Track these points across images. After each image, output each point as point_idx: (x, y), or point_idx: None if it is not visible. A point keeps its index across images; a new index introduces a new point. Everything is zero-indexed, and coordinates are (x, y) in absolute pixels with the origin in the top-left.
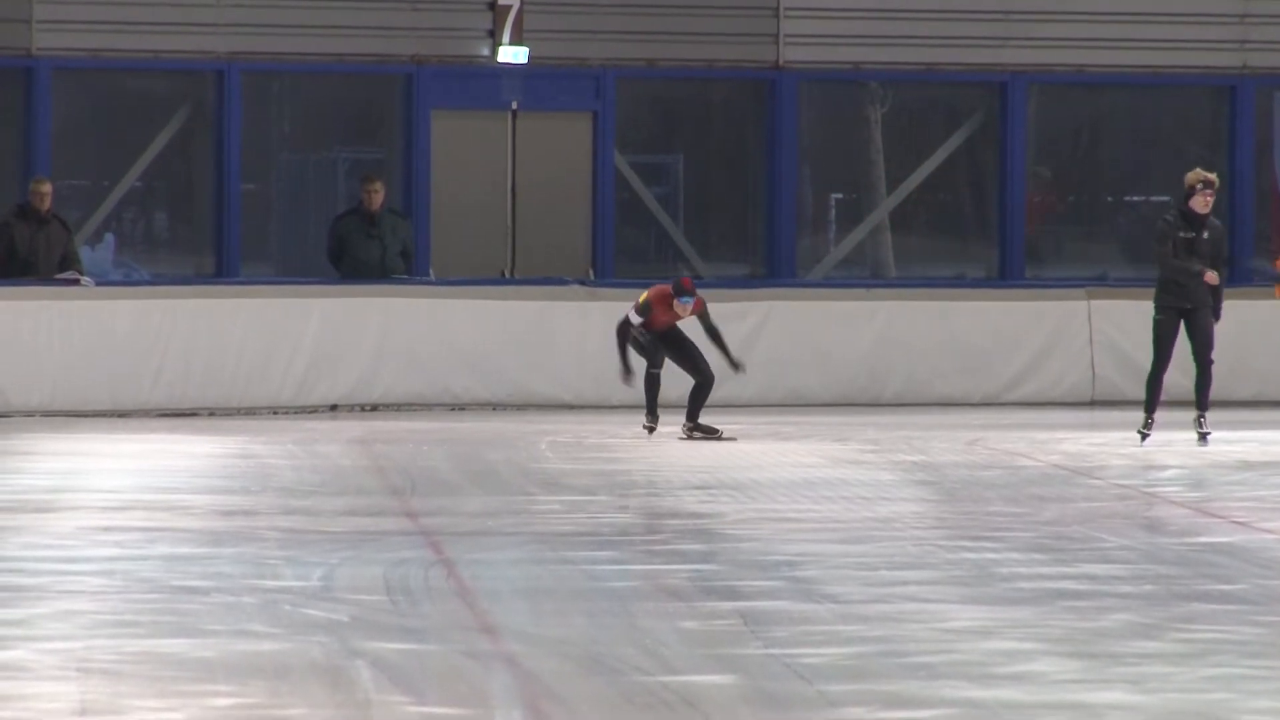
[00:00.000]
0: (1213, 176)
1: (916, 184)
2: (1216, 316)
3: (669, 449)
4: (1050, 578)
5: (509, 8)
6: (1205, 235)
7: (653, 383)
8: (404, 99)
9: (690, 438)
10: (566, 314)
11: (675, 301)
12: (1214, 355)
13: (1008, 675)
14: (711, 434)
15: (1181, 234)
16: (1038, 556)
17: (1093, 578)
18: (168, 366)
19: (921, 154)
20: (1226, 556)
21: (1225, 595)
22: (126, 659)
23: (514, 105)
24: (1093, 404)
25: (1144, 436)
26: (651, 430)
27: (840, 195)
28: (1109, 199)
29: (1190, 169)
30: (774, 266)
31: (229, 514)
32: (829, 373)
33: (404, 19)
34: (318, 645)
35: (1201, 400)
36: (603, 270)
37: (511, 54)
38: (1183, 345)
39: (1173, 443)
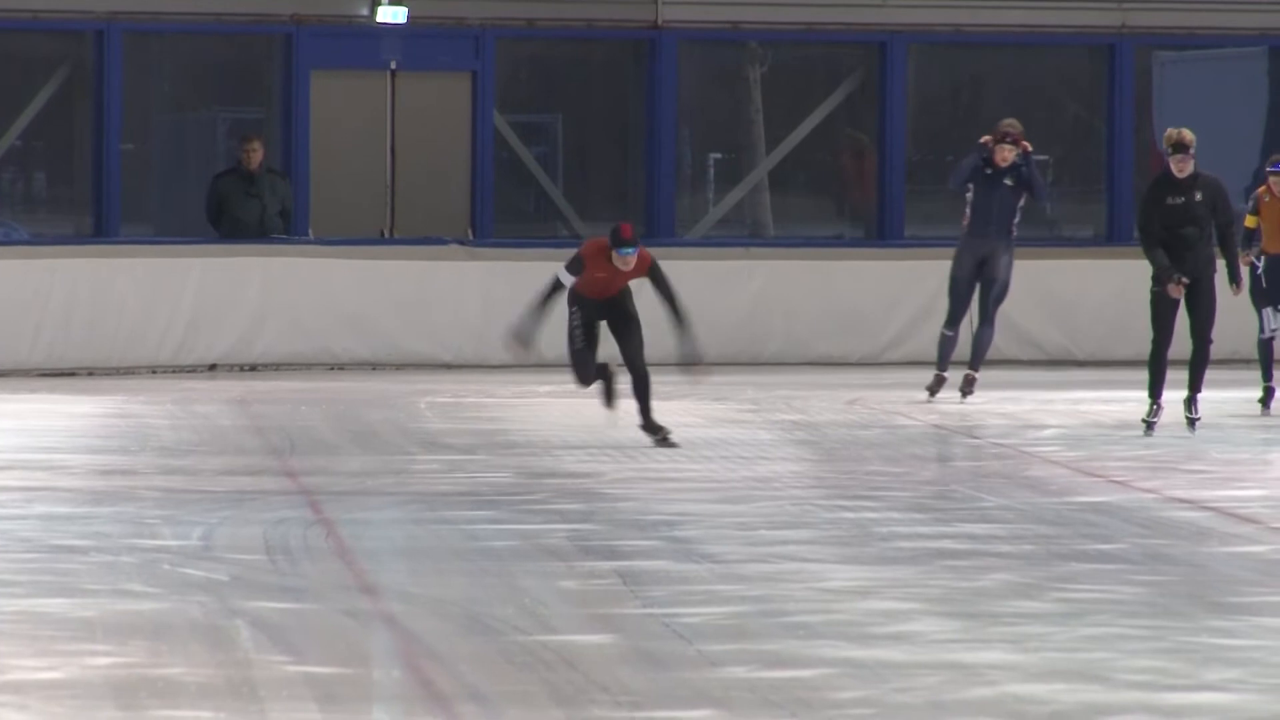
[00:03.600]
0: (1183, 136)
1: (795, 144)
2: (1234, 281)
3: (547, 409)
4: (929, 537)
5: None
6: (1198, 197)
7: (604, 371)
8: (283, 59)
9: (666, 442)
10: (446, 274)
11: (614, 254)
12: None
13: (887, 635)
14: (658, 435)
15: (1169, 200)
16: (917, 516)
17: (972, 537)
18: (47, 326)
19: (800, 113)
20: (1105, 516)
21: (1104, 555)
22: (5, 618)
23: (393, 65)
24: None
25: (1149, 425)
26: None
27: (719, 155)
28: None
29: (1071, 127)
30: (653, 226)
31: (108, 473)
32: (708, 332)
33: None
34: (197, 604)
35: (1195, 380)
36: (482, 230)
37: (390, 14)
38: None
39: (1052, 402)
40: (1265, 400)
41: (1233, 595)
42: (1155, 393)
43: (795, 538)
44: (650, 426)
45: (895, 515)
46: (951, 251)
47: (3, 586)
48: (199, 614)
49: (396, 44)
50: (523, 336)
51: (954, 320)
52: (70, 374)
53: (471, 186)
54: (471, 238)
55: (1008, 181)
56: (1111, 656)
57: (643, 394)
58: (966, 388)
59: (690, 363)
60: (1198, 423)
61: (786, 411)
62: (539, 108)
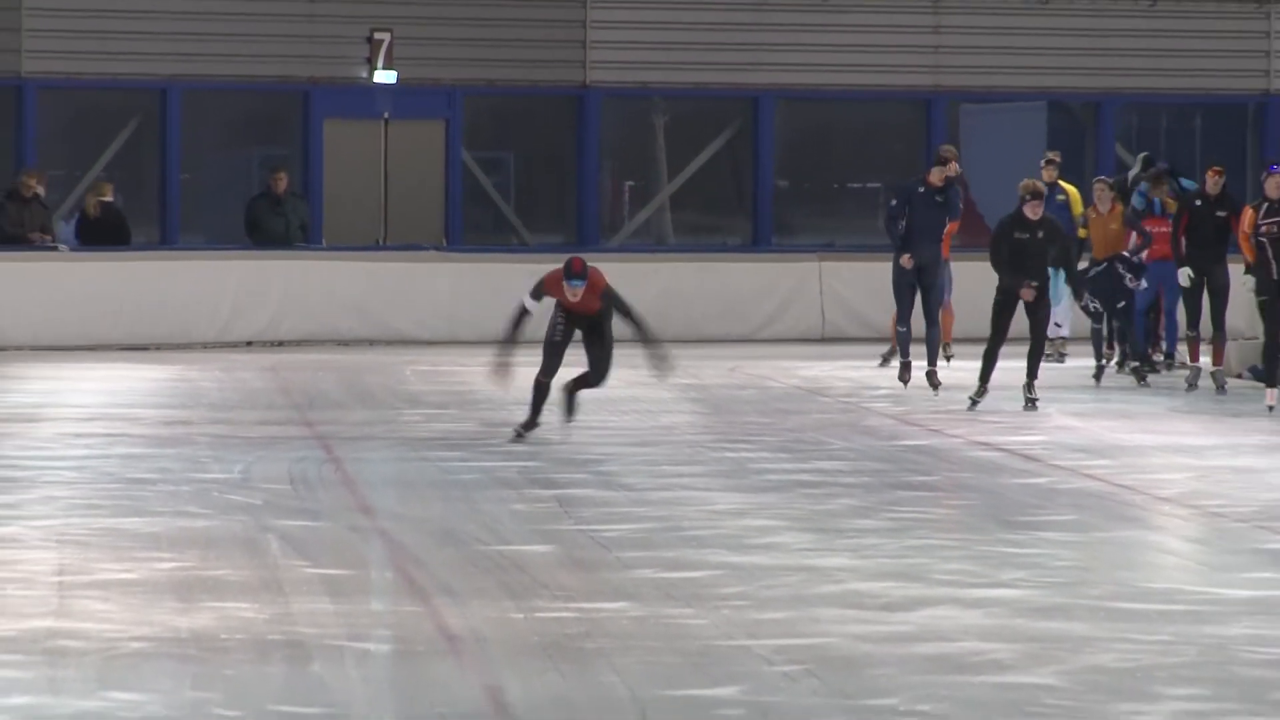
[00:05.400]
0: (1038, 187)
1: (690, 174)
2: (1077, 295)
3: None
4: (791, 471)
5: (382, 41)
6: (1040, 235)
7: (540, 390)
8: (302, 110)
9: (568, 407)
10: (425, 272)
11: (564, 284)
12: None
13: (759, 545)
14: (568, 414)
15: (1016, 234)
16: (782, 455)
17: (823, 471)
18: (124, 312)
19: (694, 151)
20: (924, 455)
21: (923, 484)
22: (94, 533)
23: (386, 115)
24: (822, 340)
25: (974, 403)
26: (521, 437)
27: (632, 182)
28: (835, 185)
29: (898, 163)
30: (582, 236)
31: (170, 424)
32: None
33: (302, 48)
34: (238, 522)
35: (1033, 368)
36: (453, 239)
37: (384, 76)
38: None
39: (882, 371)
40: (1098, 375)
41: (1020, 515)
42: (985, 378)
43: (690, 472)
44: (568, 404)
45: (765, 455)
46: (806, 255)
47: (92, 509)
48: (239, 529)
49: (388, 99)
50: (500, 370)
51: (904, 317)
52: (142, 349)
53: (445, 206)
54: (445, 245)
55: (938, 199)
56: (929, 561)
57: (582, 383)
58: (932, 380)
59: (659, 363)
60: (1037, 402)
61: (683, 377)
62: (496, 147)
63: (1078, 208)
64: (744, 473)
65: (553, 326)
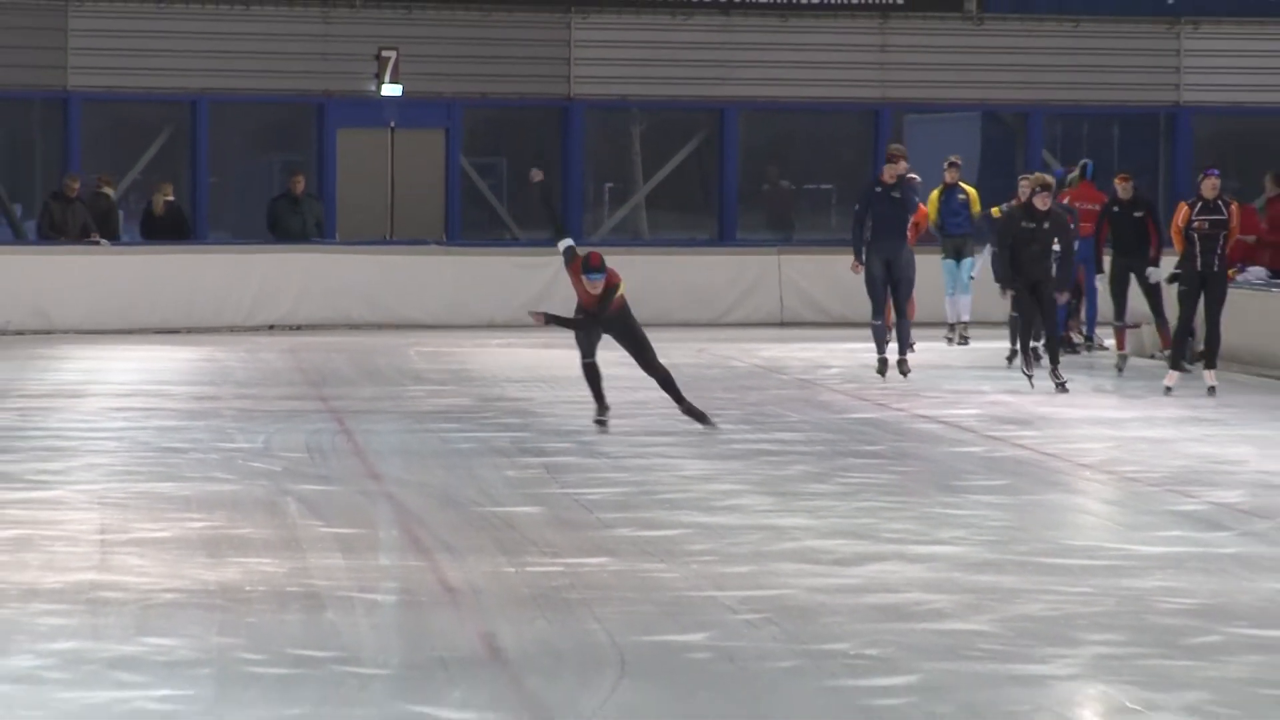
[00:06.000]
0: (1047, 180)
1: (663, 177)
2: (1059, 288)
3: (497, 355)
4: (753, 441)
5: (389, 58)
6: (1045, 225)
7: (590, 372)
8: (318, 120)
9: (704, 422)
10: (428, 264)
11: (584, 278)
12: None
13: (725, 507)
14: (701, 418)
15: (1023, 224)
16: (744, 426)
17: (782, 441)
18: (160, 299)
19: (666, 157)
20: (871, 428)
21: (870, 453)
22: (132, 496)
23: (392, 124)
24: (781, 325)
25: (1012, 358)
26: (603, 424)
27: (611, 184)
28: (793, 187)
29: (849, 167)
30: (567, 232)
31: (200, 399)
32: None
33: (317, 65)
34: (261, 487)
35: (1053, 355)
36: (452, 235)
37: (390, 90)
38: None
39: (835, 351)
40: (1010, 357)
41: (957, 480)
42: (1021, 349)
43: (663, 441)
44: (689, 412)
45: (730, 426)
46: (767, 248)
47: (130, 475)
48: (262, 493)
49: (394, 110)
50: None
51: (877, 312)
52: (175, 332)
53: (445, 206)
54: (445, 240)
55: (894, 195)
56: (876, 521)
57: (670, 389)
58: (903, 369)
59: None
60: (1066, 385)
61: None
62: (491, 153)
63: (976, 206)
64: (711, 442)
65: (579, 344)
